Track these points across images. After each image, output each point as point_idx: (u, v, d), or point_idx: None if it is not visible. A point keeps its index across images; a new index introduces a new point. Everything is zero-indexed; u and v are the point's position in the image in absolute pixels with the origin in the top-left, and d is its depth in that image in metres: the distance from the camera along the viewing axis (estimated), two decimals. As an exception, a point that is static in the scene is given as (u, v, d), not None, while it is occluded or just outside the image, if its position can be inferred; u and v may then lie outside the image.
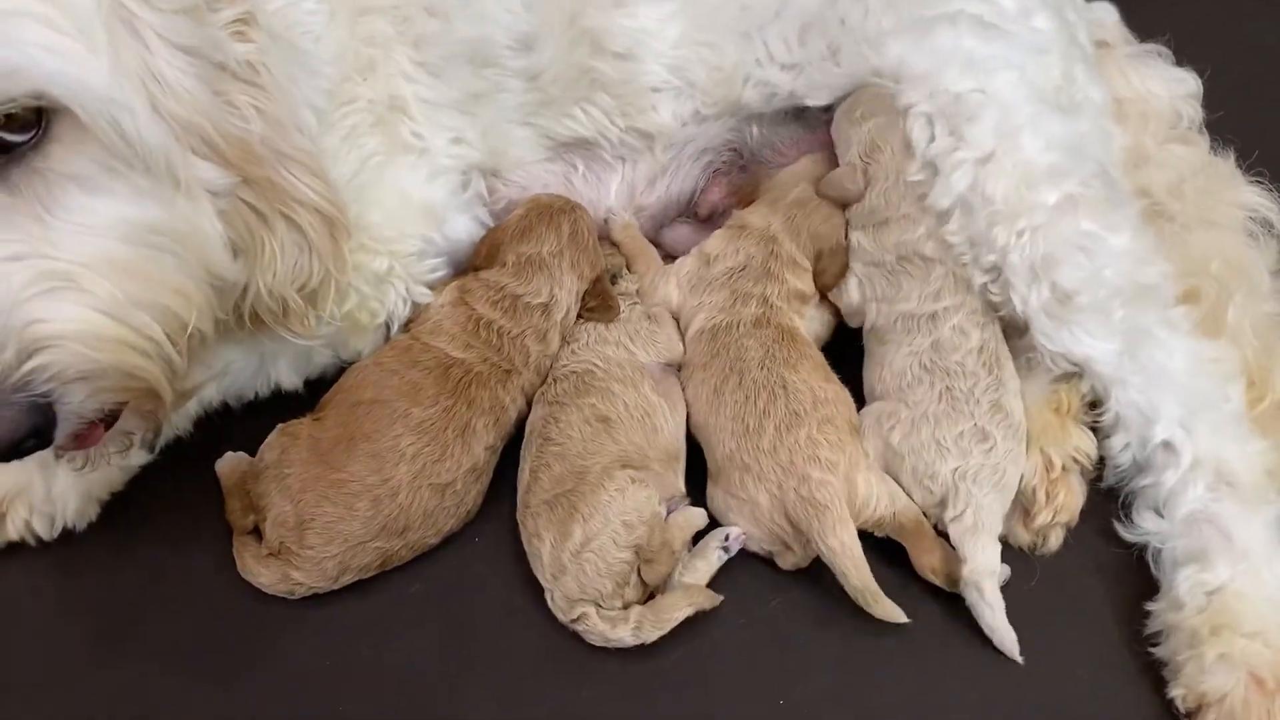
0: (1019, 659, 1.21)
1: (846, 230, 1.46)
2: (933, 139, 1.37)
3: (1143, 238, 1.34)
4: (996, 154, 1.33)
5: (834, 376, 1.36)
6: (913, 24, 1.40)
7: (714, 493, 1.32)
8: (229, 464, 1.34)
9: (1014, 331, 1.37)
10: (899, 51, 1.41)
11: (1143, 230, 1.35)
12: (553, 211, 1.44)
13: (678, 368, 1.41)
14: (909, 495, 1.28)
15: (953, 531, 1.24)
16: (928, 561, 1.26)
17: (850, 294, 1.43)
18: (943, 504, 1.26)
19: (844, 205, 1.46)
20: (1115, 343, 1.31)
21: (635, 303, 1.45)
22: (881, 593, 1.21)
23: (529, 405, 1.38)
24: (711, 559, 1.27)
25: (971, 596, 1.22)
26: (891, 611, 1.22)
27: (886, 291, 1.39)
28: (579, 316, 1.42)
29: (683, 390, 1.38)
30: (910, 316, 1.36)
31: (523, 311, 1.38)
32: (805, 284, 1.44)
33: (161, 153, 1.03)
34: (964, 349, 1.32)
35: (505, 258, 1.41)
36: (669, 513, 1.28)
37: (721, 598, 1.26)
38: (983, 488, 1.24)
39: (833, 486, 1.24)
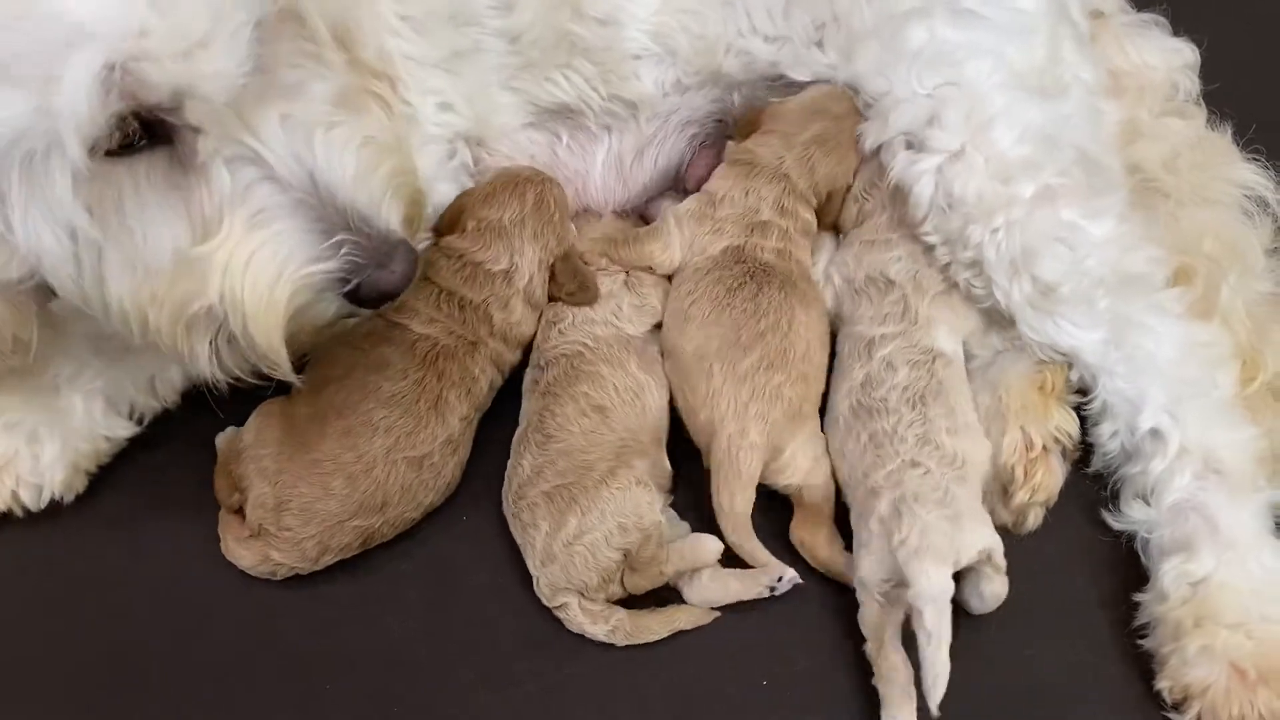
0: (934, 710, 1.13)
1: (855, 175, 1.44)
2: (892, 161, 1.35)
3: (1128, 224, 1.32)
4: (966, 150, 1.30)
5: (828, 345, 1.36)
6: (887, 20, 1.36)
7: (669, 368, 1.34)
8: (224, 440, 1.33)
9: (1003, 321, 1.35)
10: (872, 59, 1.37)
11: (1128, 216, 1.33)
12: (519, 180, 1.42)
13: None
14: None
15: (900, 557, 1.16)
16: (800, 535, 1.29)
17: (825, 301, 1.41)
18: (892, 535, 1.19)
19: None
20: (1100, 332, 1.30)
21: (616, 274, 1.42)
22: (763, 553, 1.24)
23: (501, 375, 1.37)
24: (752, 590, 1.25)
25: (915, 621, 1.15)
26: (760, 554, 1.24)
27: (848, 311, 1.38)
28: (557, 299, 1.40)
29: (688, 293, 1.36)
30: (857, 340, 1.34)
31: (483, 279, 1.37)
32: (813, 218, 1.43)
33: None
34: (888, 384, 1.28)
35: (466, 223, 1.39)
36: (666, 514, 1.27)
37: (711, 617, 1.25)
38: (925, 505, 1.18)
39: (759, 455, 1.25)
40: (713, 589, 1.24)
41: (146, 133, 1.00)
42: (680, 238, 1.41)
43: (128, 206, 1.03)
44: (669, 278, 1.42)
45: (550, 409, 1.30)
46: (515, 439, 1.33)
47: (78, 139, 0.93)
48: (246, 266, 1.04)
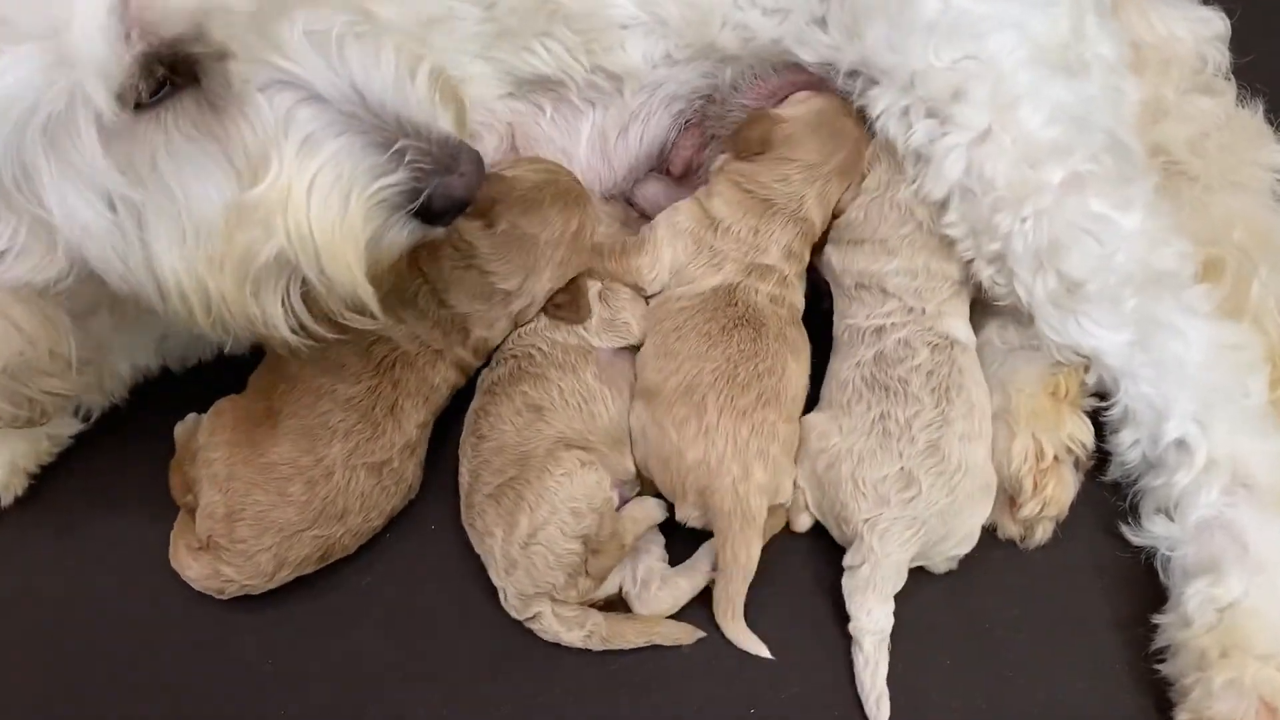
0: None
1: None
2: (911, 128, 1.26)
3: (1157, 216, 1.23)
4: (993, 130, 1.21)
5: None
6: None
7: (639, 411, 1.25)
8: (182, 431, 1.26)
9: (1020, 319, 1.28)
10: (880, 32, 1.27)
11: (1157, 208, 1.24)
12: (569, 199, 1.30)
13: (634, 349, 1.31)
14: (828, 527, 1.21)
15: (845, 581, 1.17)
16: None
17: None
18: (847, 545, 1.19)
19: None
20: (1126, 333, 1.22)
21: (592, 285, 1.33)
22: (742, 614, 1.18)
23: (465, 377, 1.30)
24: (699, 579, 1.21)
25: (854, 647, 1.17)
26: (744, 638, 1.18)
27: (842, 307, 1.31)
28: (544, 311, 1.31)
29: (673, 329, 1.27)
30: (856, 329, 1.27)
31: (479, 291, 1.27)
32: (808, 254, 1.35)
33: None
34: (908, 364, 1.22)
35: (496, 220, 1.27)
36: (621, 501, 1.22)
37: (693, 638, 1.20)
38: (888, 545, 1.15)
39: (765, 494, 1.19)
40: (664, 596, 1.20)
41: (172, 77, 0.92)
42: (671, 255, 1.32)
43: (162, 166, 0.94)
44: (647, 298, 1.33)
45: (486, 408, 1.25)
46: (460, 446, 1.27)
47: (103, 86, 0.86)
48: (309, 197, 0.96)
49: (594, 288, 1.32)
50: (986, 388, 1.25)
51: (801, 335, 1.29)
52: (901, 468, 1.17)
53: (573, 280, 1.30)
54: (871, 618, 1.15)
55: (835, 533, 1.20)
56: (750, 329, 1.25)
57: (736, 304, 1.27)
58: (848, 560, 1.18)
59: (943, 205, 1.26)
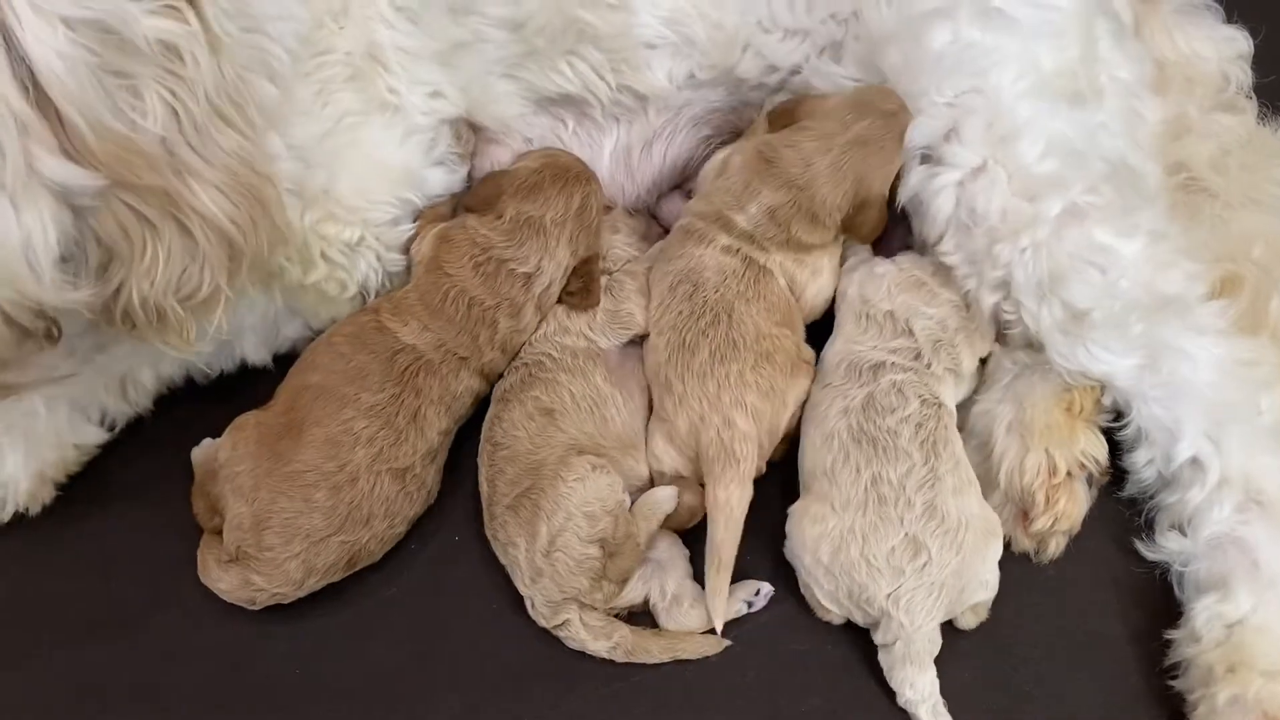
0: None
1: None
2: (909, 173, 1.26)
3: (1163, 240, 1.23)
4: (988, 165, 1.21)
5: (791, 323, 1.29)
6: (908, 21, 1.26)
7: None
8: (200, 455, 1.27)
9: (1030, 343, 1.28)
10: (891, 67, 1.28)
11: (1165, 231, 1.24)
12: (569, 177, 1.33)
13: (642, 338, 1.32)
14: (849, 615, 1.19)
15: (881, 658, 1.16)
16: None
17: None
18: (874, 626, 1.17)
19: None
20: (1134, 358, 1.21)
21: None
22: (729, 569, 1.17)
23: (489, 384, 1.32)
24: (730, 609, 1.21)
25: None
26: (716, 601, 1.17)
27: (851, 331, 1.30)
28: (558, 300, 1.33)
29: (658, 301, 1.30)
30: (857, 360, 1.26)
31: (504, 280, 1.29)
32: (815, 238, 1.31)
33: None
34: (898, 414, 1.20)
35: (503, 210, 1.31)
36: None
37: (719, 648, 1.20)
38: (915, 617, 1.13)
39: (751, 440, 1.20)
40: (693, 615, 1.20)
41: None
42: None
43: None
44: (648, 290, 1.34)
45: (499, 415, 1.27)
46: (478, 455, 1.28)
47: None
48: None
49: (600, 281, 1.34)
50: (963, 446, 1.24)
51: (755, 287, 1.27)
52: (905, 534, 1.14)
53: (584, 265, 1.32)
54: (916, 690, 1.13)
55: (858, 616, 1.17)
56: (688, 284, 1.27)
57: (684, 255, 1.29)
58: (879, 639, 1.16)
59: (938, 239, 1.26)
